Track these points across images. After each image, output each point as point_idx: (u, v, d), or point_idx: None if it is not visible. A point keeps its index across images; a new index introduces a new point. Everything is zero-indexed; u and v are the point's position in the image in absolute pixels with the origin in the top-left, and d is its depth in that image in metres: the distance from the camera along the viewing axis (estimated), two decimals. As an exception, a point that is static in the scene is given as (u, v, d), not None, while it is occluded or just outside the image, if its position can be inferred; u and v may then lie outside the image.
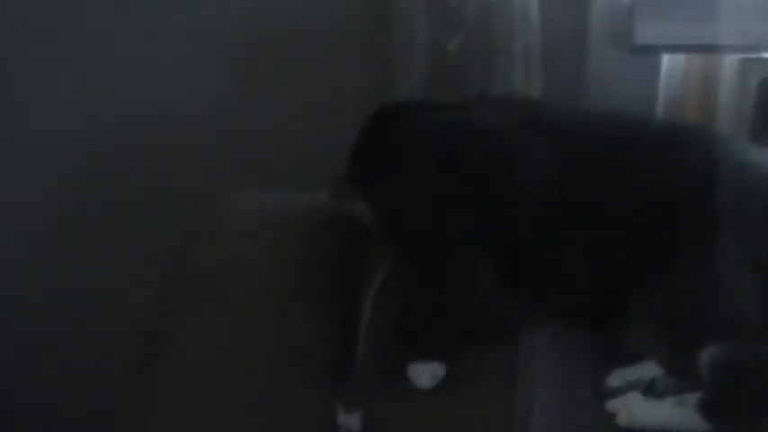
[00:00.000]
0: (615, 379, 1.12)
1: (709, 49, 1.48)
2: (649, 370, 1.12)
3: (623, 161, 1.14)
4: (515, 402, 1.13)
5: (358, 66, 1.60)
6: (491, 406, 1.15)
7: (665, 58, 1.49)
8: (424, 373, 1.19)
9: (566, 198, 1.13)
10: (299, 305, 1.32)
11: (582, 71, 1.50)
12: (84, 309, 1.74)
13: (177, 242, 1.41)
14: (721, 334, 1.05)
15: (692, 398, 1.06)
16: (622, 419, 1.08)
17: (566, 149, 1.16)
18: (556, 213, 1.14)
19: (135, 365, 1.30)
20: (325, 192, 1.40)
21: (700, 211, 1.08)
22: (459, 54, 1.52)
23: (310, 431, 1.22)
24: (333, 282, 1.35)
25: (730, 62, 1.47)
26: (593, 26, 1.50)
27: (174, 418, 1.22)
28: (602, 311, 1.12)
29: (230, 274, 1.34)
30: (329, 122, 1.60)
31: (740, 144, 1.26)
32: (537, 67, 1.50)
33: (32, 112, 1.69)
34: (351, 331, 1.32)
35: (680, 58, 1.50)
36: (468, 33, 1.50)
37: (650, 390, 1.10)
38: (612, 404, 1.10)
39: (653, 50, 1.49)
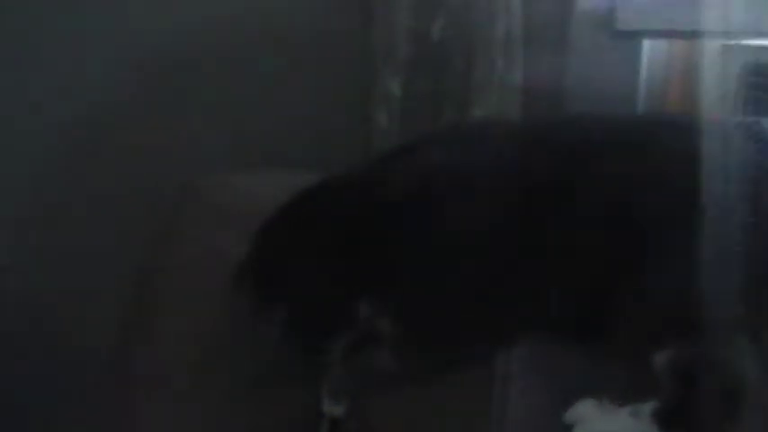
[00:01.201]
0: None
1: (692, 34, 1.47)
2: None
3: (592, 169, 1.11)
4: (494, 396, 1.13)
5: (340, 53, 1.59)
6: (473, 399, 1.15)
7: (647, 44, 1.49)
8: None
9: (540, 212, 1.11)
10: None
11: (563, 57, 1.49)
12: (64, 295, 1.74)
13: (159, 227, 1.41)
14: (679, 337, 1.03)
15: (648, 407, 1.04)
16: (586, 428, 1.06)
17: (533, 163, 1.13)
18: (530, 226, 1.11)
19: (114, 353, 1.30)
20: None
21: (672, 206, 1.07)
22: (440, 39, 1.51)
23: (294, 414, 1.21)
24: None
25: (713, 48, 1.46)
26: (575, 11, 1.49)
27: (156, 406, 1.22)
28: (574, 323, 1.10)
29: (212, 259, 1.33)
30: (312, 109, 1.60)
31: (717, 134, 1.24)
32: (518, 53, 1.49)
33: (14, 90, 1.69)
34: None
35: (662, 44, 1.49)
36: (449, 18, 1.50)
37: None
38: (569, 415, 1.08)
39: (635, 36, 1.49)
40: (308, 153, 1.60)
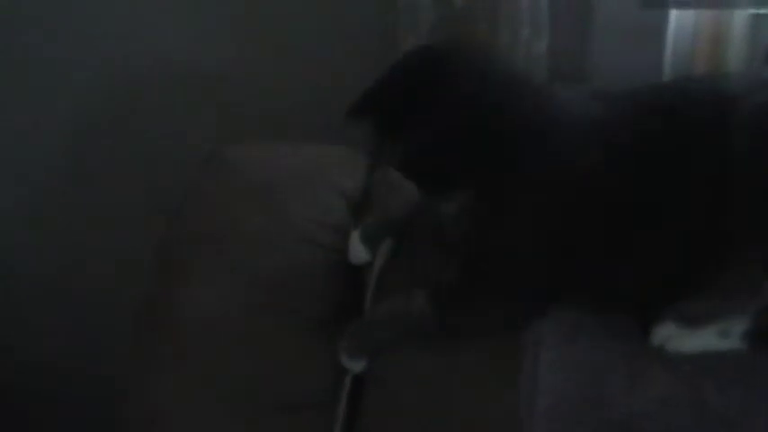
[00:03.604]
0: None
1: (719, 4, 1.46)
2: None
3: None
4: (521, 363, 1.14)
5: (364, 18, 1.58)
6: (495, 370, 1.16)
7: (674, 14, 1.47)
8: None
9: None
10: (300, 259, 1.32)
11: (589, 26, 1.48)
12: (84, 261, 1.75)
13: (179, 197, 1.42)
14: None
15: (738, 328, 1.07)
16: (673, 346, 1.09)
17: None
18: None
19: (135, 320, 1.31)
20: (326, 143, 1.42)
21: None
22: (465, 7, 1.50)
23: (312, 376, 1.25)
24: (337, 236, 1.35)
25: (741, 18, 1.45)
26: (601, -21, 1.48)
27: (177, 372, 1.25)
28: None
29: (231, 229, 1.34)
30: (334, 76, 1.59)
31: None
32: (544, 21, 1.47)
33: (36, 61, 1.68)
34: (356, 282, 1.32)
35: (689, 14, 1.48)
36: (474, -15, 1.49)
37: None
38: (655, 337, 1.10)
39: (662, 5, 1.47)
40: (331, 123, 1.58)
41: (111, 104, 1.69)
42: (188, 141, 1.64)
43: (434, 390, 1.19)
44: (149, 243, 1.37)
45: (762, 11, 1.44)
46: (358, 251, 1.28)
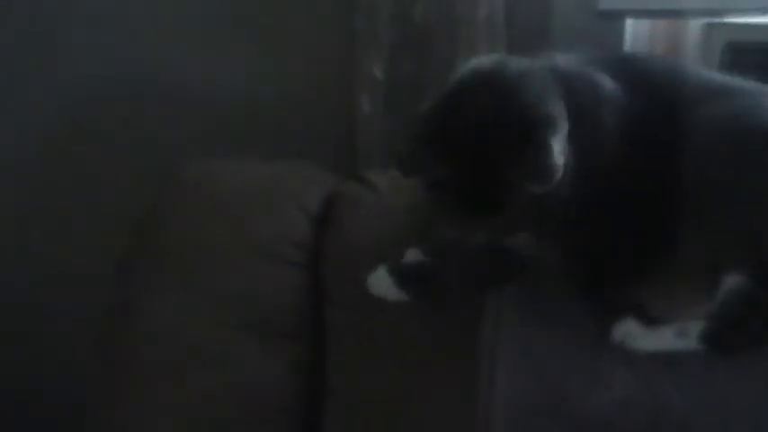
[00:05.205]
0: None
1: (674, 13, 1.48)
2: None
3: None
4: (478, 373, 1.13)
5: (323, 37, 1.59)
6: (452, 381, 1.15)
7: (630, 23, 1.49)
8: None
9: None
10: (261, 274, 1.31)
11: (546, 37, 1.50)
12: (46, 279, 1.73)
13: (143, 214, 1.41)
14: (753, 263, 1.03)
15: (695, 328, 1.06)
16: (633, 343, 1.09)
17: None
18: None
19: (97, 336, 1.30)
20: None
21: None
22: (423, 23, 1.51)
23: (272, 391, 1.25)
24: (299, 251, 1.35)
25: (695, 27, 1.47)
26: (558, -8, 1.50)
27: (142, 389, 1.24)
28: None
29: (192, 244, 1.33)
30: (295, 95, 1.60)
31: None
32: (501, 35, 1.49)
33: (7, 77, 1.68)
34: (317, 297, 1.32)
35: (645, 23, 1.50)
36: (431, 2, 1.50)
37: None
38: (615, 333, 1.09)
39: (617, 16, 1.49)
40: (291, 139, 1.59)
41: (78, 120, 1.69)
42: (145, 159, 1.64)
43: (392, 402, 1.18)
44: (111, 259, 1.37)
45: (714, 20, 1.46)
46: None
